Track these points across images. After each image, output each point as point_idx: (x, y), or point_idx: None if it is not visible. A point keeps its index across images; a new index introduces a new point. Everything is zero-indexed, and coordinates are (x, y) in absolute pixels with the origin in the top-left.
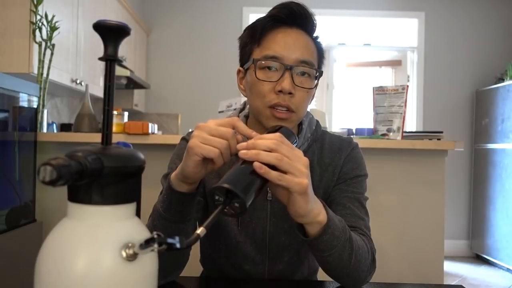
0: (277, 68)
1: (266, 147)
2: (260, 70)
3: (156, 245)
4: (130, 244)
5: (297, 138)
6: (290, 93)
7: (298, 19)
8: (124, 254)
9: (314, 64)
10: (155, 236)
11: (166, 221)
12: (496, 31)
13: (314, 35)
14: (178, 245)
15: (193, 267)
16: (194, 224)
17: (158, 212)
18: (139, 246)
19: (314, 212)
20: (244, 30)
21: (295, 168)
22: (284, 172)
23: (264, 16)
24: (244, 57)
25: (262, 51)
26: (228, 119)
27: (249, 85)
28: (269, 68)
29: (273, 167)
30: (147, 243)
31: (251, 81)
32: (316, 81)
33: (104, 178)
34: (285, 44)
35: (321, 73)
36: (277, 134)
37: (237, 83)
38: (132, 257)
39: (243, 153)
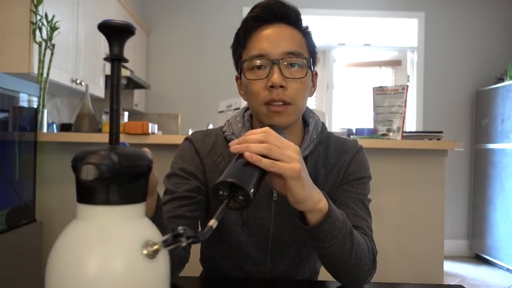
0: (265, 65)
1: (255, 140)
2: (250, 70)
3: (184, 239)
4: (151, 242)
5: (285, 136)
6: (282, 86)
7: (279, 16)
8: (145, 251)
9: (302, 53)
10: (181, 231)
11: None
12: (496, 31)
13: (303, 27)
14: (200, 238)
15: (193, 267)
16: (197, 223)
17: None
18: (163, 242)
19: (313, 198)
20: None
21: (285, 155)
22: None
23: (245, 18)
24: (237, 63)
25: (248, 52)
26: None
27: (244, 88)
28: (258, 67)
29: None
30: (175, 238)
31: (244, 84)
32: (308, 69)
33: (121, 177)
34: (268, 39)
35: (308, 60)
36: (265, 128)
37: (237, 89)
38: (153, 254)
39: (234, 148)
